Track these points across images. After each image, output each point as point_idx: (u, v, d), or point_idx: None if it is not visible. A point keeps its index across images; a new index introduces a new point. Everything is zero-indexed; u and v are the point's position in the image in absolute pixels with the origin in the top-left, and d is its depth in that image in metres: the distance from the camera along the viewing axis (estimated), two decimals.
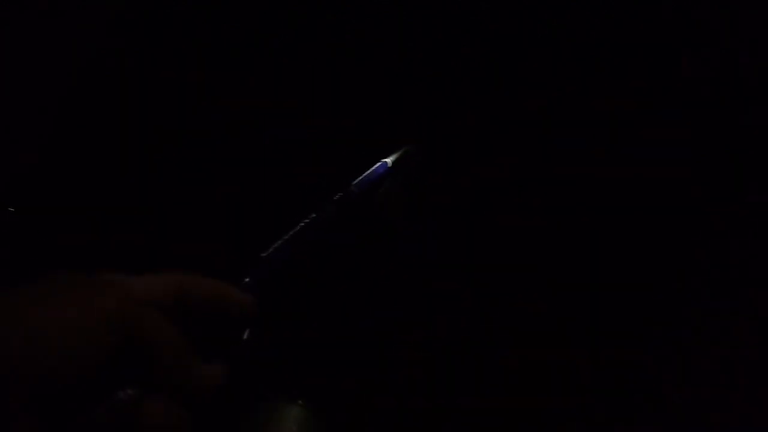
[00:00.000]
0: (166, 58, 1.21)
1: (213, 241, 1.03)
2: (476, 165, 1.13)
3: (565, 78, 1.22)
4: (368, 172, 0.71)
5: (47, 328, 0.45)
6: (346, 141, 1.04)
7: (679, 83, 1.30)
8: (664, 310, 1.24)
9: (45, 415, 0.44)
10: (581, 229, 1.22)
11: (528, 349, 1.19)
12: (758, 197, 1.27)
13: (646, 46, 1.29)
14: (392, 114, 1.08)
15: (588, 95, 1.23)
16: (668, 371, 1.19)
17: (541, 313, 1.20)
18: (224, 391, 0.52)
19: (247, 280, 0.54)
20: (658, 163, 1.29)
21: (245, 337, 0.53)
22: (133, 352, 0.47)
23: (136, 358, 0.47)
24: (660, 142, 1.29)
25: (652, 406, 1.19)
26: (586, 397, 1.18)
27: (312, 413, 0.68)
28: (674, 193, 1.28)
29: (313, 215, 0.61)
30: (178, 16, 1.20)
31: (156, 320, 0.48)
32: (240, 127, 1.14)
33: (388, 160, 0.72)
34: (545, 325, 1.20)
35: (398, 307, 1.06)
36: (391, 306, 1.05)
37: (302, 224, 0.60)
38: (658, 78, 1.30)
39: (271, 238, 0.57)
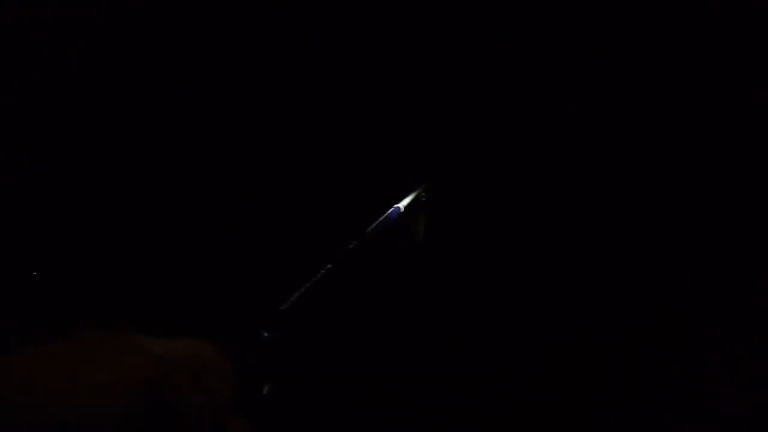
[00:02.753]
0: (167, 60, 1.22)
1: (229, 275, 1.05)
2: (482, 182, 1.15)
3: (563, 83, 1.23)
4: (382, 218, 0.72)
5: (80, 389, 0.46)
6: (353, 184, 1.06)
7: (679, 85, 1.31)
8: (663, 313, 1.26)
9: None
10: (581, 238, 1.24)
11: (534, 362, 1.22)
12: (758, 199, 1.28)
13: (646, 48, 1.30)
14: (397, 156, 1.09)
15: (586, 102, 1.24)
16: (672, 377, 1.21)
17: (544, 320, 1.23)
18: None
19: (266, 335, 0.56)
20: (658, 165, 1.30)
21: (265, 392, 0.55)
22: (161, 414, 0.49)
23: (165, 417, 0.49)
24: (660, 143, 1.30)
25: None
26: (589, 404, 1.21)
27: None
28: (673, 194, 1.29)
29: (329, 265, 0.62)
30: (180, 18, 1.20)
31: (182, 381, 0.50)
32: (251, 167, 1.15)
33: (401, 206, 0.74)
34: (548, 333, 1.22)
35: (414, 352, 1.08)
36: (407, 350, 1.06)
37: (319, 275, 0.61)
38: (657, 79, 1.30)
39: (288, 290, 0.58)
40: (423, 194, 0.79)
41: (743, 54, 1.33)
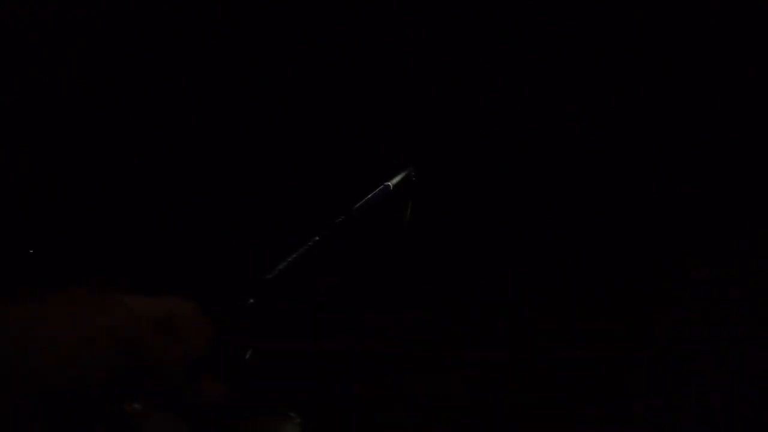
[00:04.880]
0: (167, 60, 1.22)
1: (218, 257, 1.05)
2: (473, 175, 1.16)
3: (561, 83, 1.23)
4: (369, 195, 0.73)
5: (58, 343, 0.47)
6: (351, 158, 1.07)
7: (678, 84, 1.31)
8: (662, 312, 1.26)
9: (50, 424, 0.46)
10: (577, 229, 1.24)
11: (528, 355, 1.23)
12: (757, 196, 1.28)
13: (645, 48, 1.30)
14: (394, 131, 1.10)
15: (582, 101, 1.24)
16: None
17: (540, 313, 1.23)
18: (224, 407, 0.55)
19: (251, 301, 0.57)
20: (655, 164, 1.30)
21: (247, 356, 0.56)
22: (137, 367, 0.49)
23: (141, 373, 0.50)
24: (658, 142, 1.31)
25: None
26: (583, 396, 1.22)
27: (305, 429, 0.71)
28: (672, 193, 1.30)
29: (316, 238, 0.63)
30: (180, 18, 1.21)
31: (159, 338, 0.51)
32: (246, 142, 1.15)
33: (390, 184, 0.74)
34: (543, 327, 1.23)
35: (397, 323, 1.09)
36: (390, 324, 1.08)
37: (305, 247, 0.62)
38: (656, 78, 1.31)
39: (274, 260, 0.59)
40: (413, 174, 0.80)
41: (743, 54, 1.33)
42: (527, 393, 1.24)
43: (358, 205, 0.70)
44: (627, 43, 1.32)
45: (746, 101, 1.33)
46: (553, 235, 1.28)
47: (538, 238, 1.28)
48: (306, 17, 1.20)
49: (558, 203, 1.28)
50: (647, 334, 1.28)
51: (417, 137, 1.09)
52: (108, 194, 1.19)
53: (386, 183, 0.75)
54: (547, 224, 1.27)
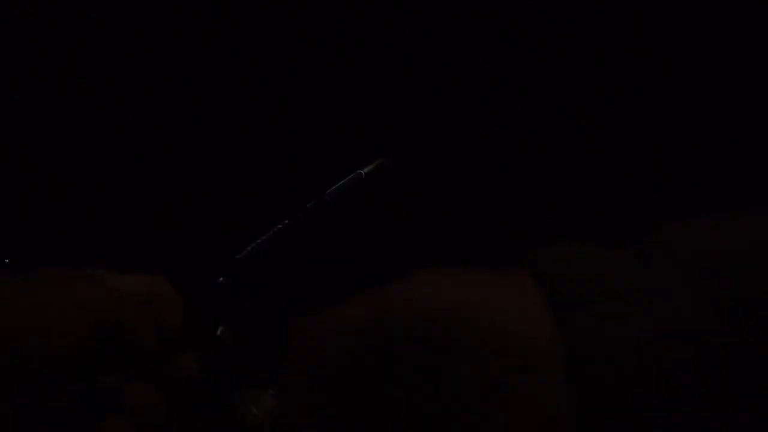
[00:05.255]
0: (167, 60, 1.23)
1: (190, 239, 1.06)
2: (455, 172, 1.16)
3: (556, 82, 1.23)
4: (342, 182, 0.73)
5: (35, 321, 0.48)
6: (323, 148, 1.07)
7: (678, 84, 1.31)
8: None
9: (33, 399, 0.47)
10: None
11: None
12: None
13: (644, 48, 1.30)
14: (370, 122, 1.10)
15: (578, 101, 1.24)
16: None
17: None
18: (199, 380, 0.56)
19: (221, 279, 0.58)
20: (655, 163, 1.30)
21: (218, 333, 0.57)
22: (114, 341, 0.50)
23: (118, 346, 0.50)
24: (658, 142, 1.30)
25: None
26: None
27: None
28: (672, 193, 1.29)
29: (286, 221, 0.64)
30: (180, 18, 1.22)
31: (135, 313, 0.52)
32: (218, 130, 1.16)
33: (363, 171, 0.75)
34: None
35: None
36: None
37: (275, 229, 0.63)
38: (656, 79, 1.31)
39: (246, 241, 0.60)
40: (388, 162, 0.80)
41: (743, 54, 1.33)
42: None
43: (330, 190, 0.71)
44: (627, 43, 1.32)
45: (746, 101, 1.32)
46: (553, 235, 1.28)
47: (538, 238, 1.27)
48: (306, 18, 1.20)
49: (557, 203, 1.28)
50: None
51: (414, 131, 1.09)
52: (108, 193, 1.20)
53: (359, 171, 0.75)
54: (547, 224, 1.27)
